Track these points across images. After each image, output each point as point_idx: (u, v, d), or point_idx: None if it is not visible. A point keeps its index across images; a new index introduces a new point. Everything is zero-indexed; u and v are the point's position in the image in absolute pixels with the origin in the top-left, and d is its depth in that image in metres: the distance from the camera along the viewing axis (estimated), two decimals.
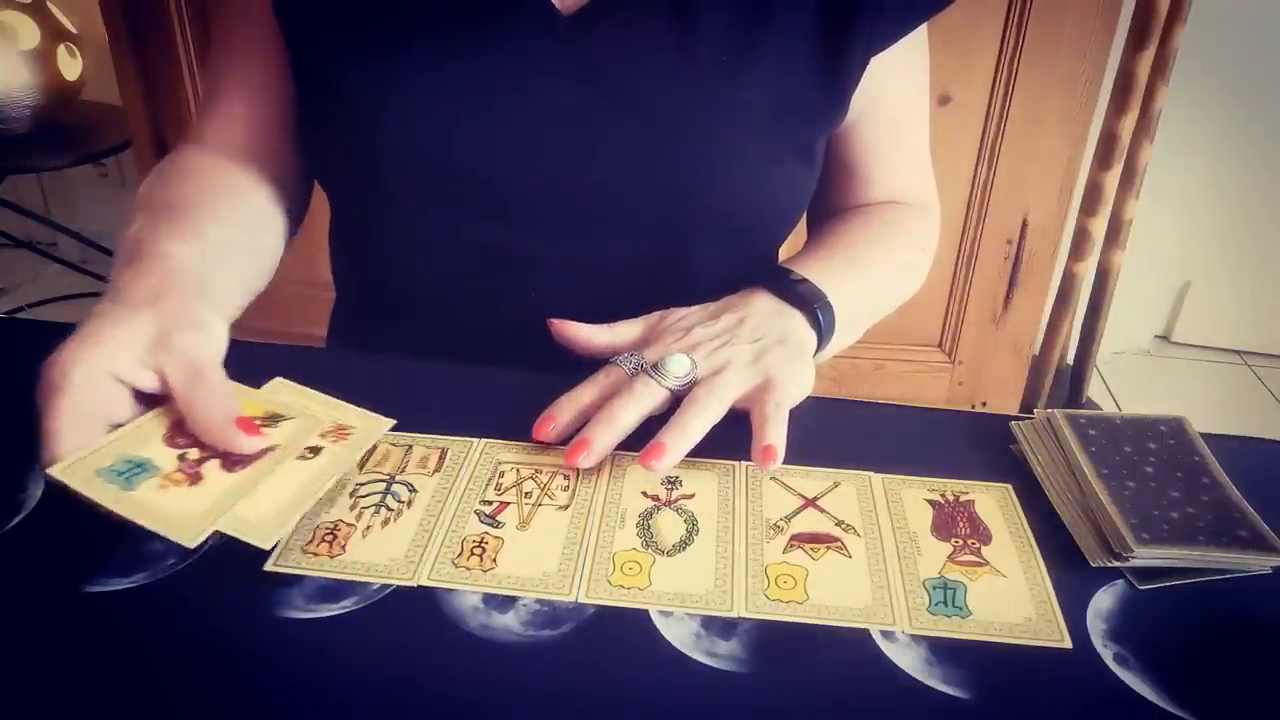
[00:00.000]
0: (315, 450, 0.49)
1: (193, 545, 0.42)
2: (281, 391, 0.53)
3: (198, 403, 0.46)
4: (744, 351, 0.55)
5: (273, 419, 0.50)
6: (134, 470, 0.44)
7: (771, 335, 0.56)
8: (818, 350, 0.60)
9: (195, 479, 0.45)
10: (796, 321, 0.58)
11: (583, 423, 0.52)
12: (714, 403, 0.51)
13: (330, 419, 0.51)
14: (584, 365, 0.66)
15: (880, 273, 0.69)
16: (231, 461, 0.46)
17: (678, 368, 0.53)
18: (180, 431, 0.47)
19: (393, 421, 0.52)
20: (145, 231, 0.55)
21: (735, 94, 0.61)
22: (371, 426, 0.51)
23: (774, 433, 0.50)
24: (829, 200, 0.73)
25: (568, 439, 0.51)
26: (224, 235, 0.58)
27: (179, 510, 0.43)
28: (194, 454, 0.46)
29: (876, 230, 0.70)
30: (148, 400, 0.48)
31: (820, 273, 0.62)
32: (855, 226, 0.70)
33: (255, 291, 0.62)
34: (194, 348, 0.47)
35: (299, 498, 0.46)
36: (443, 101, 0.60)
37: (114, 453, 0.44)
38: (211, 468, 0.46)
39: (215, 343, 0.49)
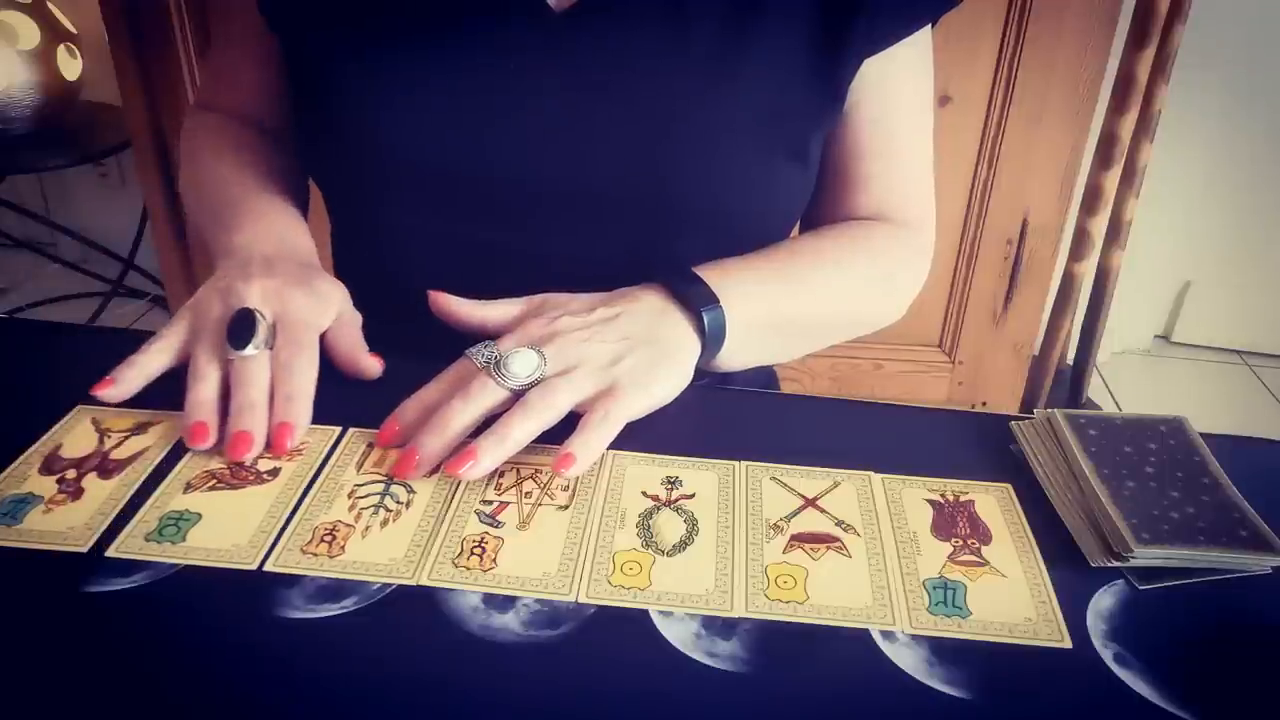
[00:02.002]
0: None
1: (85, 549, 0.44)
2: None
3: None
4: (601, 352, 0.52)
5: (142, 427, 0.52)
6: (17, 506, 0.46)
7: (640, 336, 0.53)
8: (706, 357, 0.57)
9: (77, 494, 0.47)
10: (678, 323, 0.56)
11: None
12: (545, 408, 0.49)
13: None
14: None
15: (820, 289, 0.64)
16: (108, 470, 0.49)
17: (522, 367, 0.50)
18: (55, 459, 0.49)
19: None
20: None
21: (727, 93, 0.60)
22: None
23: (582, 440, 0.48)
24: (817, 206, 0.71)
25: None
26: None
27: (66, 525, 0.45)
28: (71, 474, 0.48)
29: (833, 244, 0.66)
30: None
31: (736, 278, 0.59)
32: (810, 238, 0.67)
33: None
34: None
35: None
36: (435, 100, 0.60)
37: None
38: (90, 480, 0.48)
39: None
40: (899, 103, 0.67)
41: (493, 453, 0.48)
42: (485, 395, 0.50)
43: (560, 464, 0.47)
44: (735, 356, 0.60)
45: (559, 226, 0.63)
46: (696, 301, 0.56)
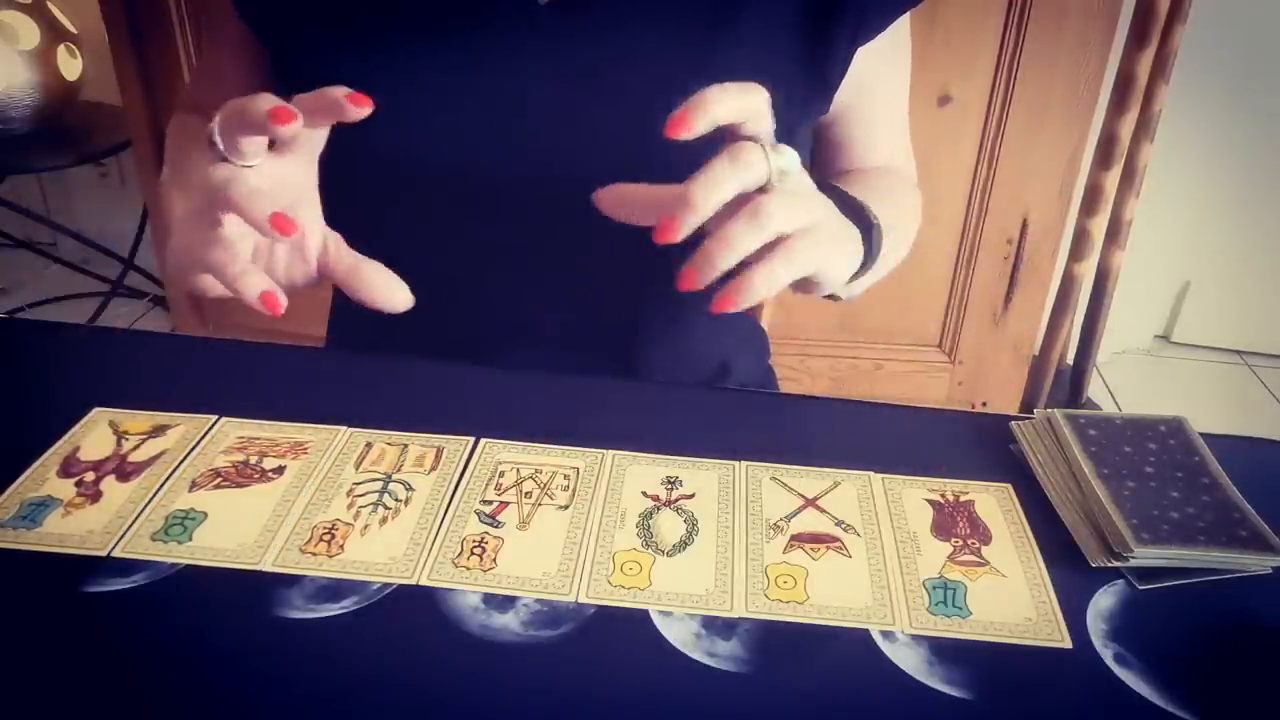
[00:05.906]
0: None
1: (105, 553, 0.44)
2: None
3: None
4: (810, 204, 0.49)
5: (159, 429, 0.52)
6: (36, 510, 0.46)
7: (834, 216, 0.51)
8: (860, 271, 0.55)
9: (96, 497, 0.47)
10: (854, 233, 0.53)
11: None
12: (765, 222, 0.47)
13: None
14: (572, 368, 0.66)
15: (894, 225, 0.63)
16: (126, 473, 0.49)
17: (790, 160, 0.49)
18: (73, 462, 0.49)
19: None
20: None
21: (713, 81, 0.61)
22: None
23: (768, 269, 0.46)
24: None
25: None
26: None
27: (86, 528, 0.45)
28: (89, 476, 0.48)
29: (888, 187, 0.68)
30: None
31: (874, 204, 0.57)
32: (870, 179, 0.69)
33: None
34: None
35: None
36: (423, 97, 0.60)
37: (14, 502, 0.47)
38: (109, 483, 0.48)
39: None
40: (887, 87, 0.68)
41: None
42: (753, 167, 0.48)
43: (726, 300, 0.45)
44: (864, 281, 0.58)
45: (551, 218, 0.63)
46: (868, 224, 0.54)
